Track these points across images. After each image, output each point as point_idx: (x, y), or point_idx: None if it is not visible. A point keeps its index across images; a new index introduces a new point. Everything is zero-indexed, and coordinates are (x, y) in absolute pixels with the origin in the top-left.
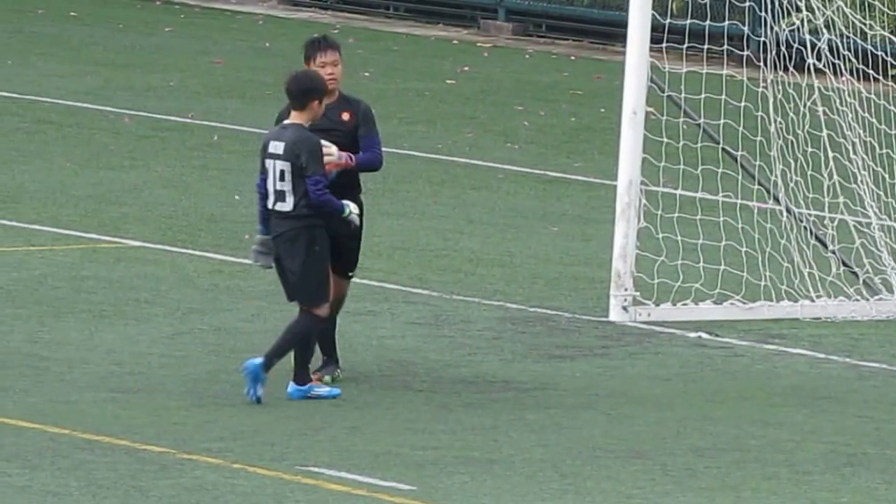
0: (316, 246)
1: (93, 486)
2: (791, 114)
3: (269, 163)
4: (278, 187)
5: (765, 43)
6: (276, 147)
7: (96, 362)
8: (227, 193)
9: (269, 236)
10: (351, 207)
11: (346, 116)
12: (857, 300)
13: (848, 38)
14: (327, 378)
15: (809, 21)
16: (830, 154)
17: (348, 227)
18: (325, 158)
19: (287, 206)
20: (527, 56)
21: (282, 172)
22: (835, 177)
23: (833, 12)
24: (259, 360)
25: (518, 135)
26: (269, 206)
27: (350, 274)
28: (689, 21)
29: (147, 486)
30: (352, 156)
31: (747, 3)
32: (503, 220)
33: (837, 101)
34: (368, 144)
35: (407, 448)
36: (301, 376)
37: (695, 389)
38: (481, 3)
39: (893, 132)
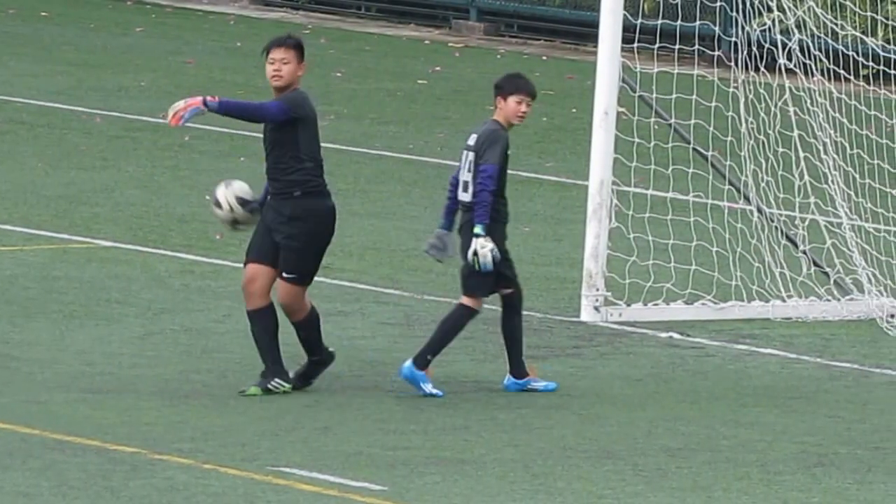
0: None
1: (63, 487)
2: (762, 114)
3: (463, 153)
4: (464, 177)
5: (736, 43)
6: (471, 138)
7: (67, 362)
8: (198, 194)
9: (445, 231)
10: (491, 246)
11: None
12: (828, 300)
13: (819, 38)
14: (253, 389)
15: (781, 21)
16: (801, 154)
17: (472, 257)
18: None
19: (467, 196)
20: (498, 56)
21: (469, 163)
22: (806, 177)
23: (804, 12)
24: (408, 362)
25: None
26: (458, 196)
27: (285, 275)
28: (660, 21)
29: (118, 486)
30: (213, 96)
31: (718, 4)
32: None
33: (808, 101)
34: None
35: (378, 448)
36: (423, 359)
37: (666, 390)
38: (453, 4)
39: (864, 132)
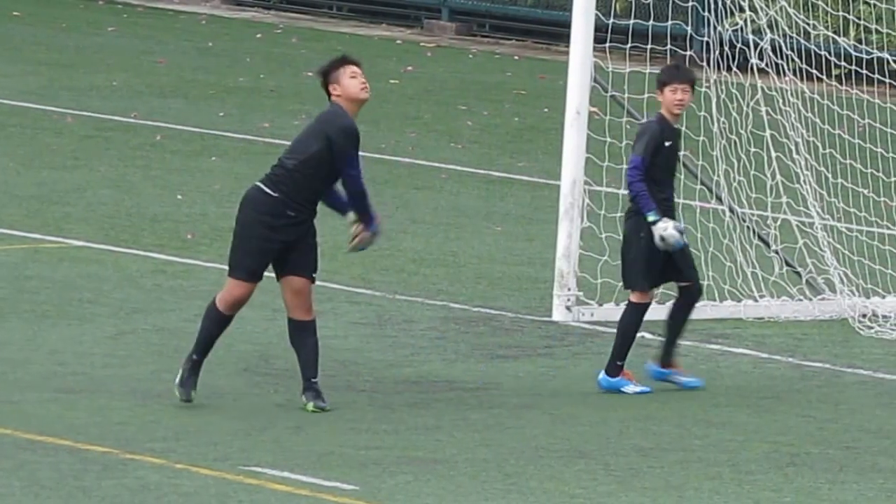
0: (641, 232)
1: (35, 486)
2: (734, 113)
3: None
4: None
5: (708, 43)
6: None
7: (39, 362)
8: (169, 193)
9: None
10: (668, 225)
11: None
12: (800, 300)
13: (791, 37)
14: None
15: (752, 21)
16: (773, 154)
17: (662, 243)
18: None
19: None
20: (470, 56)
21: None
22: (778, 177)
23: (776, 12)
24: (601, 374)
25: (462, 135)
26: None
27: (313, 275)
28: (632, 21)
29: (90, 486)
30: (369, 228)
31: (690, 3)
32: (447, 220)
33: (780, 100)
34: (351, 165)
35: (350, 448)
36: (613, 367)
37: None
38: (425, 3)
39: (836, 132)
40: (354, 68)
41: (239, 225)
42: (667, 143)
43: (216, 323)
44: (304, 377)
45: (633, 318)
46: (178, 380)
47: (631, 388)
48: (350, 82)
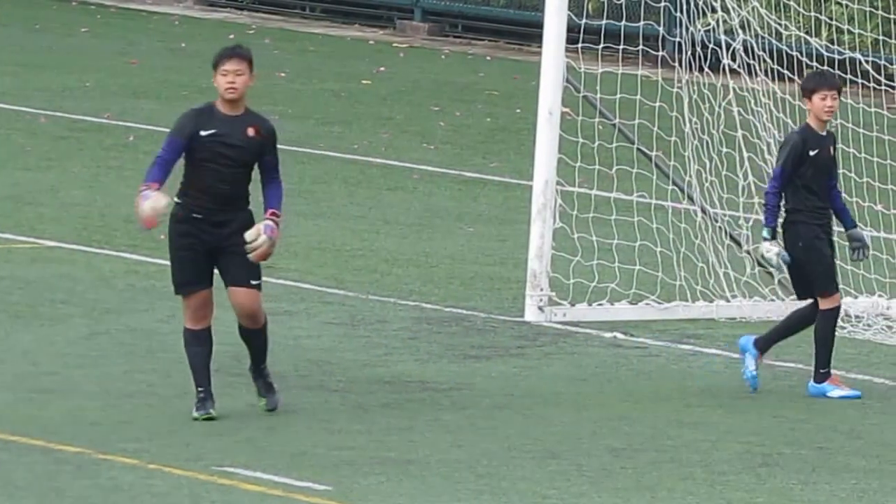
0: (800, 242)
1: (9, 487)
2: (706, 114)
3: None
4: None
5: (680, 43)
6: None
7: (12, 362)
8: None
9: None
10: (773, 250)
11: (251, 132)
12: (773, 300)
13: (763, 38)
14: (195, 414)
15: (725, 21)
16: (745, 154)
17: (761, 259)
18: (253, 251)
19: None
20: (443, 56)
21: None
22: (749, 177)
23: (748, 13)
24: (810, 382)
25: (434, 135)
26: None
27: (252, 282)
28: (604, 21)
29: (63, 486)
30: (272, 226)
31: (663, 4)
32: (419, 221)
33: (752, 101)
34: (272, 168)
35: (323, 448)
36: (818, 375)
37: (610, 390)
38: (397, 4)
39: None
40: (227, 66)
41: (168, 242)
42: (812, 153)
43: (191, 342)
44: (254, 364)
45: (830, 324)
46: (193, 412)
47: (836, 392)
48: (219, 81)
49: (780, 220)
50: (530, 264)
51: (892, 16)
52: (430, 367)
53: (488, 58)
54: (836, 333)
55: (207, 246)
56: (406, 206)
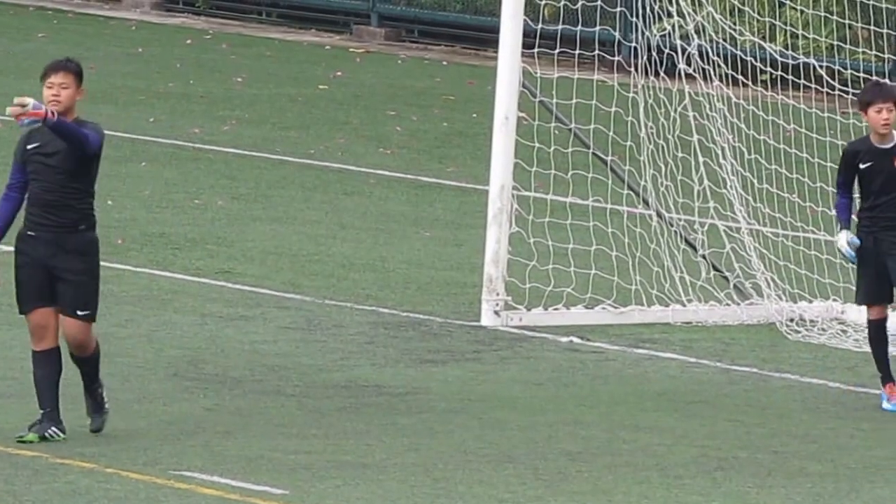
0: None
1: None
2: (661, 119)
3: None
4: None
5: (636, 48)
6: None
7: None
8: (99, 199)
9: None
10: (840, 237)
11: None
12: (728, 305)
13: (718, 43)
14: (31, 436)
15: (680, 26)
16: (700, 159)
17: (839, 252)
18: (14, 109)
19: None
20: (399, 61)
21: None
22: (705, 181)
23: (703, 18)
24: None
25: (390, 140)
26: None
27: (79, 312)
28: (560, 26)
29: (20, 490)
30: (53, 111)
31: (618, 9)
32: (376, 225)
33: (707, 106)
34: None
35: (279, 452)
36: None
37: (566, 394)
38: (354, 9)
39: (762, 137)
40: (53, 78)
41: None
42: (863, 165)
43: (35, 364)
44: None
45: (869, 335)
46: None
47: (886, 405)
48: (45, 93)
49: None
50: (486, 269)
51: (847, 21)
52: (386, 372)
53: (444, 63)
54: (791, 338)
55: (42, 264)
56: (362, 211)
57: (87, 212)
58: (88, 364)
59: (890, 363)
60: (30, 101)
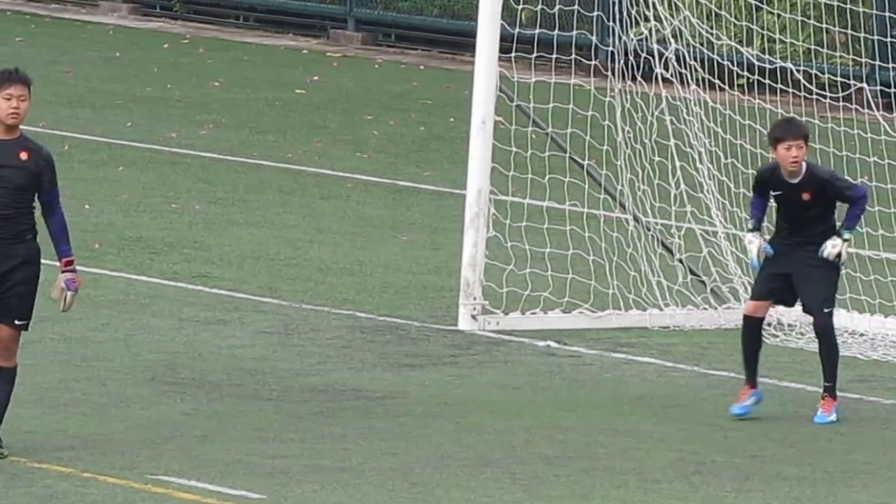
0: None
1: None
2: (638, 123)
3: None
4: None
5: (613, 53)
6: None
7: None
8: (77, 203)
9: None
10: (750, 239)
11: (24, 156)
12: (705, 309)
13: (695, 48)
14: None
15: (657, 31)
16: (677, 163)
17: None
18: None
19: None
20: (376, 66)
21: None
22: (682, 186)
23: (681, 22)
24: None
25: (368, 144)
26: None
27: (17, 322)
28: (537, 31)
29: None
30: (72, 278)
31: (595, 14)
32: (353, 230)
33: (684, 110)
34: (52, 200)
35: (256, 456)
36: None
37: (544, 398)
38: (331, 13)
39: (739, 142)
40: (11, 90)
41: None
42: (773, 193)
43: None
44: None
45: (742, 328)
46: None
47: (736, 408)
48: (1, 105)
49: None
50: (464, 273)
51: (824, 25)
52: (363, 376)
53: (422, 67)
54: (769, 342)
55: None
56: (340, 215)
57: (33, 221)
58: (5, 380)
59: (758, 365)
60: (66, 293)
